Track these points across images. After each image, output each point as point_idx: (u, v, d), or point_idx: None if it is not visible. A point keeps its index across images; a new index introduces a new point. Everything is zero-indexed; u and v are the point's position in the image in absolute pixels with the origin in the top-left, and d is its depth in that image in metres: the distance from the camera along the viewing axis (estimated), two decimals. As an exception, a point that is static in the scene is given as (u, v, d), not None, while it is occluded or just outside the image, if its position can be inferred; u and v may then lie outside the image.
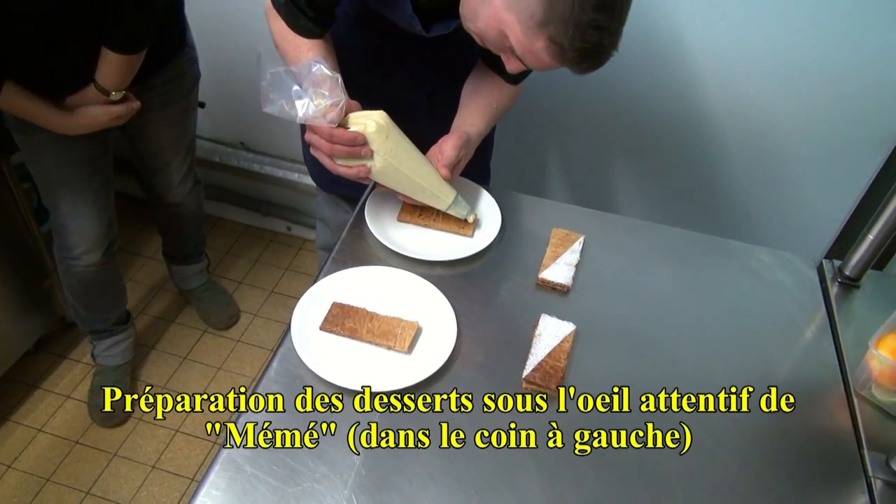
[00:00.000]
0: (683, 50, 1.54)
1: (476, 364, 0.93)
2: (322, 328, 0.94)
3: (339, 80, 0.94)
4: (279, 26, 1.05)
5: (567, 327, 0.97)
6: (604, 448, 0.85)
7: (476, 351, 0.95)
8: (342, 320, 0.95)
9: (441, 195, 1.08)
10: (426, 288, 1.01)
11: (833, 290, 1.10)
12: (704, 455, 0.86)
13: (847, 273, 1.11)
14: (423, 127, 1.10)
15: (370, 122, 0.98)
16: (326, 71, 0.92)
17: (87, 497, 1.65)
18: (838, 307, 1.08)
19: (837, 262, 1.14)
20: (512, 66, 0.92)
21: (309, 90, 0.93)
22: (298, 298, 0.97)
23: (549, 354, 0.93)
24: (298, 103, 0.93)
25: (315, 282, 1.01)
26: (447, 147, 1.07)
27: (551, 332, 0.96)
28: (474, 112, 1.15)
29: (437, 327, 0.96)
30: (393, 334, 0.93)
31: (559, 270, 1.06)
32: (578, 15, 0.79)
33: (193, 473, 1.71)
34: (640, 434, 0.87)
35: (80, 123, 1.35)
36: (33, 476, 1.68)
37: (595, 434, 0.86)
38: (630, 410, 0.90)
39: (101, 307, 1.74)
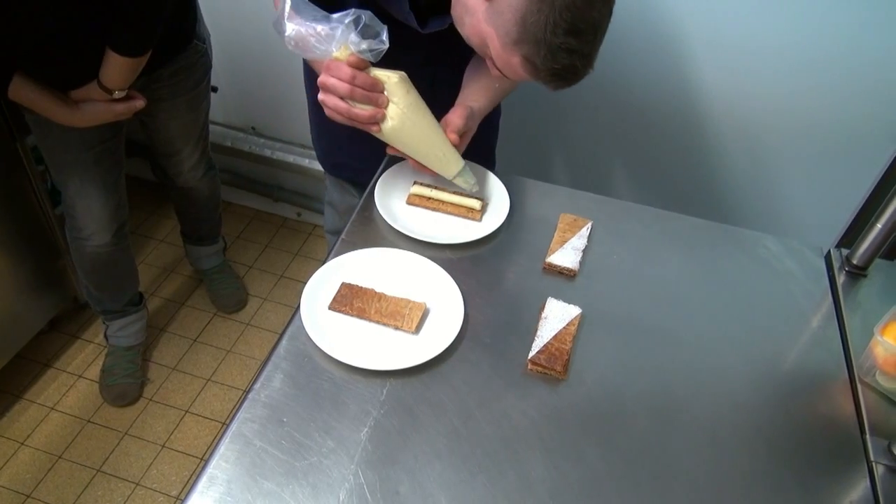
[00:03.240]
0: (694, 40, 1.53)
1: (482, 345, 0.94)
2: (331, 308, 0.96)
3: (386, 28, 0.93)
4: None
5: (573, 311, 0.98)
6: (608, 429, 0.86)
7: (483, 332, 0.96)
8: (351, 300, 0.96)
9: (451, 161, 1.07)
10: (434, 270, 1.02)
11: (840, 278, 1.10)
12: (707, 438, 0.86)
13: (855, 262, 1.11)
14: None
15: (394, 74, 0.98)
16: (374, 21, 0.91)
17: (97, 475, 1.68)
18: (845, 295, 1.08)
19: (845, 251, 1.14)
20: (494, 73, 0.94)
21: (345, 28, 0.91)
22: (307, 283, 0.98)
23: (555, 337, 0.94)
24: (337, 33, 0.90)
25: (324, 263, 1.03)
26: (454, 116, 1.08)
27: (557, 316, 0.97)
28: (477, 89, 1.16)
29: (445, 309, 0.97)
30: (401, 315, 0.94)
31: (566, 255, 1.07)
32: (550, 38, 0.81)
33: (203, 453, 1.74)
34: (644, 416, 0.88)
35: (84, 118, 1.38)
36: (45, 453, 1.71)
37: (599, 415, 0.87)
38: (634, 394, 0.91)
39: (112, 287, 1.76)
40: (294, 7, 0.91)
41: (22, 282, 1.75)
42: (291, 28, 0.91)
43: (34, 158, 1.69)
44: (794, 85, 1.53)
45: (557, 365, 0.90)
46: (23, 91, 1.29)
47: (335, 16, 0.92)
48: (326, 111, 1.01)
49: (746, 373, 0.95)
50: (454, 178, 1.10)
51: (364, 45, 0.92)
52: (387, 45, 0.93)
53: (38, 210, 1.74)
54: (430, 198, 1.14)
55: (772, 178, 1.71)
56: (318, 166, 2.10)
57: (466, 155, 1.15)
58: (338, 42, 0.92)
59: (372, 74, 0.97)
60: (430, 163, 1.08)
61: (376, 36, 0.92)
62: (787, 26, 1.45)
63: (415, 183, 1.15)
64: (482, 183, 1.18)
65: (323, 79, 0.98)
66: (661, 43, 1.55)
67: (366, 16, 0.91)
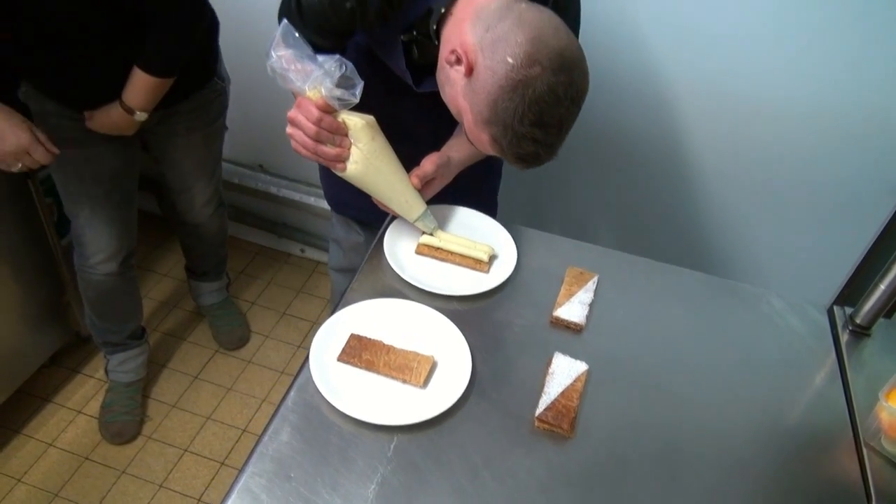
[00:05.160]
0: (694, 96, 1.57)
1: (489, 400, 0.95)
2: (340, 359, 0.96)
3: (361, 84, 0.96)
4: None
5: (580, 367, 0.98)
6: (614, 489, 0.86)
7: (490, 387, 0.96)
8: (359, 352, 0.97)
9: (412, 205, 1.11)
10: (442, 322, 1.02)
11: (844, 337, 1.11)
12: (712, 498, 0.87)
13: (858, 321, 1.12)
14: (428, 153, 1.14)
15: (360, 119, 1.02)
16: (353, 73, 0.95)
17: (94, 513, 1.67)
18: (849, 355, 1.08)
19: (849, 310, 1.15)
20: (467, 139, 0.98)
21: (324, 73, 0.95)
22: (309, 321, 0.99)
23: (562, 394, 0.94)
24: (314, 74, 0.94)
25: (333, 312, 1.03)
26: (426, 162, 1.12)
27: (564, 371, 0.97)
28: (463, 141, 1.18)
29: (452, 362, 0.98)
30: (409, 368, 0.95)
31: (573, 309, 1.08)
32: (517, 126, 0.86)
33: (200, 494, 1.72)
34: (650, 476, 0.88)
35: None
36: (42, 490, 1.69)
37: (605, 475, 0.87)
38: (640, 453, 0.91)
39: (115, 318, 1.77)
40: (283, 37, 0.95)
41: (27, 315, 1.75)
42: (276, 57, 0.95)
43: (43, 191, 1.71)
44: (793, 138, 1.56)
45: (564, 423, 0.91)
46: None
47: (320, 58, 0.95)
48: (293, 144, 1.03)
49: (751, 432, 0.96)
50: (415, 221, 1.14)
51: (336, 93, 0.96)
52: (357, 100, 0.97)
53: (44, 243, 1.75)
54: (438, 248, 1.15)
55: (771, 231, 1.73)
56: (322, 204, 2.14)
57: (469, 197, 1.18)
58: (312, 83, 0.96)
59: (340, 118, 1.01)
60: (393, 205, 1.12)
61: (351, 87, 0.96)
62: (785, 81, 1.48)
63: (423, 233, 1.17)
64: (489, 235, 1.19)
65: (293, 114, 1.02)
66: (663, 99, 1.59)
67: (347, 67, 0.95)
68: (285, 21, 0.97)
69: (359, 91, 0.96)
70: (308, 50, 0.96)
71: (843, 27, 1.38)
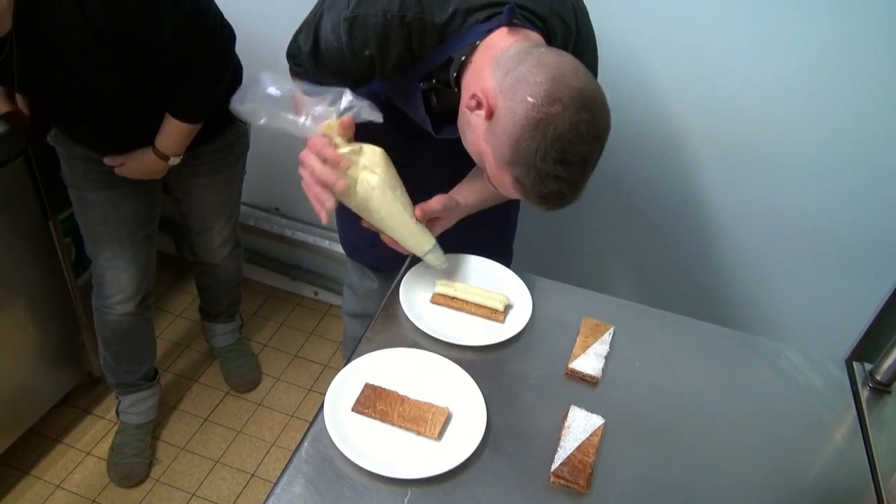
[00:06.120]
0: (708, 146, 1.58)
1: (504, 454, 0.94)
2: (354, 409, 0.96)
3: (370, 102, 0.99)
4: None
5: (596, 421, 0.97)
6: (631, 550, 0.84)
7: (504, 440, 0.95)
8: (374, 402, 0.96)
9: (421, 239, 1.11)
10: (457, 373, 1.02)
11: (864, 394, 1.10)
12: (734, 563, 0.85)
13: (878, 378, 1.10)
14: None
15: (378, 147, 1.03)
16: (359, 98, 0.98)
17: (99, 559, 1.64)
18: (869, 412, 1.07)
19: (868, 366, 1.13)
20: (489, 186, 0.98)
21: (330, 103, 0.98)
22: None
23: (578, 448, 0.93)
24: (317, 108, 0.98)
25: (348, 360, 1.03)
26: (434, 201, 1.11)
27: (580, 426, 0.96)
28: (472, 187, 1.19)
29: (467, 414, 0.97)
30: (423, 420, 0.94)
31: (589, 361, 1.07)
32: (540, 164, 0.85)
33: (207, 540, 1.70)
34: (669, 537, 0.86)
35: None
36: (48, 533, 1.68)
37: (623, 535, 0.86)
38: (658, 511, 0.89)
39: (130, 358, 1.77)
40: (264, 86, 0.97)
41: (41, 355, 1.76)
42: (266, 102, 0.98)
43: (63, 231, 1.73)
44: (809, 191, 1.56)
45: (580, 479, 0.89)
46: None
47: (313, 94, 0.98)
48: (303, 185, 1.02)
49: (770, 489, 0.94)
50: (425, 255, 1.13)
51: (365, 114, 0.99)
52: (381, 119, 0.99)
53: (62, 283, 1.76)
54: (454, 297, 1.16)
55: (789, 283, 1.72)
56: (337, 248, 2.15)
57: (484, 247, 1.17)
58: (321, 116, 0.98)
59: (358, 145, 1.02)
60: (403, 237, 1.11)
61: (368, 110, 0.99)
62: (802, 132, 1.49)
63: (439, 283, 1.17)
64: (506, 286, 1.20)
65: (303, 155, 1.01)
66: (679, 149, 1.60)
67: (349, 95, 0.98)
68: (263, 74, 0.99)
69: (378, 115, 0.98)
70: (296, 90, 0.99)
71: (866, 78, 1.39)
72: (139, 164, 1.44)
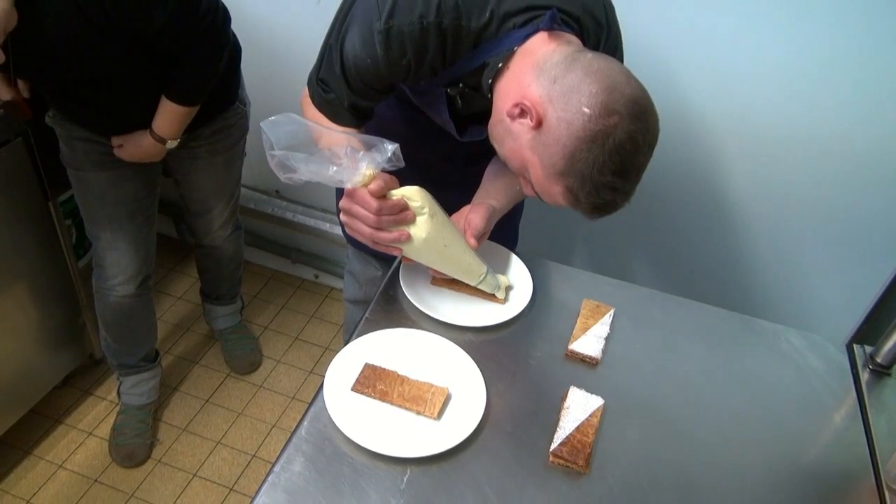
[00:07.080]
0: (717, 129, 1.57)
1: (504, 433, 0.94)
2: (354, 389, 0.96)
3: (396, 146, 0.92)
4: (315, 114, 1.07)
5: (596, 401, 0.98)
6: (630, 529, 0.85)
7: (504, 420, 0.96)
8: (374, 382, 0.96)
9: (474, 267, 1.08)
10: (457, 354, 1.02)
11: (864, 376, 1.10)
12: (732, 542, 0.85)
13: (879, 360, 1.10)
14: (453, 198, 1.12)
15: (414, 187, 0.98)
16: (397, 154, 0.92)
17: (101, 538, 1.66)
18: (869, 394, 1.07)
19: (869, 349, 1.13)
20: (528, 191, 0.96)
21: (370, 156, 0.92)
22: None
23: (578, 429, 0.93)
24: (359, 161, 0.91)
25: (348, 341, 1.03)
26: (476, 217, 1.09)
27: (580, 406, 0.97)
28: (499, 188, 1.17)
29: (467, 394, 0.97)
30: (423, 399, 0.94)
31: (589, 343, 1.07)
32: (597, 176, 0.84)
33: (208, 520, 1.71)
34: (667, 516, 0.87)
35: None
36: (50, 513, 1.69)
37: (621, 514, 0.86)
38: (656, 491, 0.89)
39: (130, 340, 1.77)
40: (278, 140, 0.92)
41: (43, 336, 1.76)
42: (304, 173, 0.91)
43: (63, 213, 1.73)
44: (810, 175, 1.55)
45: (579, 458, 0.90)
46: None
47: (364, 139, 0.94)
48: (348, 230, 1.01)
49: (769, 471, 0.94)
50: (479, 284, 1.11)
51: (385, 166, 0.92)
52: (402, 163, 0.92)
53: (63, 265, 1.76)
54: (454, 279, 1.15)
55: (789, 266, 1.71)
56: (337, 231, 2.15)
57: (493, 230, 1.16)
58: (362, 168, 0.92)
59: (395, 195, 0.97)
60: (453, 273, 1.08)
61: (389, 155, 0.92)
62: (810, 116, 1.48)
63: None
64: (504, 266, 1.19)
65: (347, 205, 0.97)
66: (684, 131, 1.59)
67: (387, 144, 0.92)
68: (267, 124, 0.93)
69: (397, 152, 0.92)
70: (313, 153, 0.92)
71: (880, 66, 1.38)
72: (137, 147, 1.43)
